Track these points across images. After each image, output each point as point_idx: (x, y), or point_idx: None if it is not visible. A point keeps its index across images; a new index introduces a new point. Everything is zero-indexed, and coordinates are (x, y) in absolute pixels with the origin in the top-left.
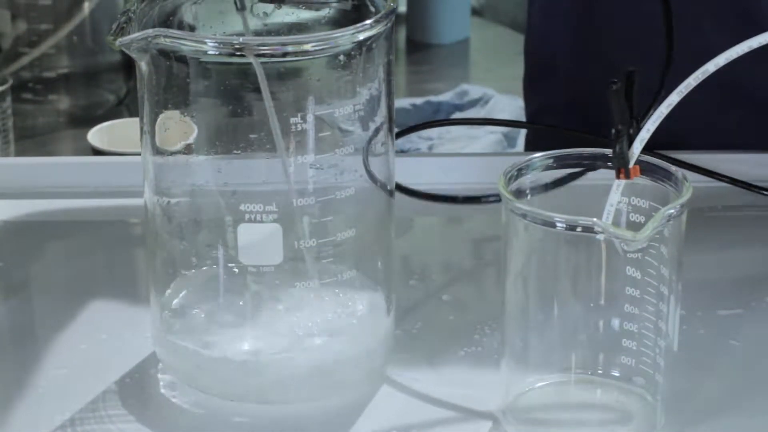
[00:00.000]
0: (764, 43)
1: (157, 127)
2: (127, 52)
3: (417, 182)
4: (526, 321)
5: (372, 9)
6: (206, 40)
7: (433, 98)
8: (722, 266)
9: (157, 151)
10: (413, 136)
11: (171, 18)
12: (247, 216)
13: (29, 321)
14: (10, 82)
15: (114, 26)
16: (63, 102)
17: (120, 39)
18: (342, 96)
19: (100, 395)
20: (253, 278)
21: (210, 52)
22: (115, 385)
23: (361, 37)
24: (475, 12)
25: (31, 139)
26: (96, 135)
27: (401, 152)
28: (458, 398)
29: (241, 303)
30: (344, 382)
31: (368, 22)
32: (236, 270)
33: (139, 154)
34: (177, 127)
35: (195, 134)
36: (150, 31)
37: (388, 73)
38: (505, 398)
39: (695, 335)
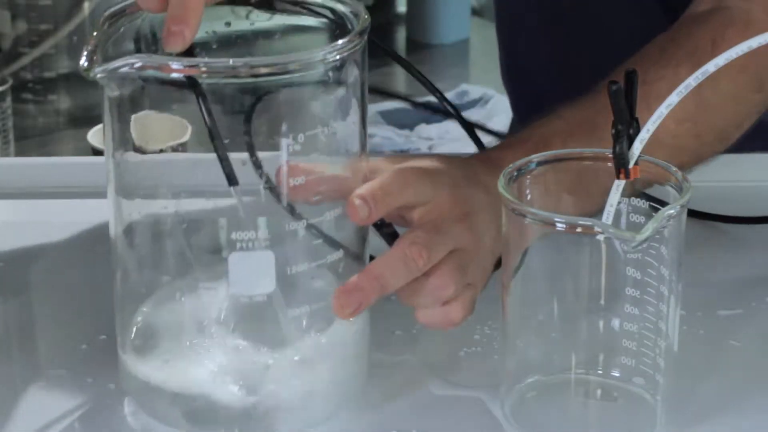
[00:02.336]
0: (764, 43)
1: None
2: (101, 82)
3: None
4: (527, 321)
5: (349, 26)
6: (199, 65)
7: (433, 98)
8: (722, 267)
9: (126, 192)
10: (413, 136)
11: (138, 36)
12: (239, 245)
13: (29, 321)
14: (10, 82)
15: (85, 57)
16: (63, 102)
17: (97, 68)
18: (314, 118)
19: (100, 395)
20: (233, 309)
21: (204, 77)
22: (114, 386)
23: (331, 58)
24: (475, 12)
25: (31, 139)
26: (96, 135)
27: (401, 152)
28: (458, 398)
29: (212, 334)
30: (318, 414)
31: (339, 42)
32: (214, 300)
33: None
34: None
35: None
36: (132, 59)
37: (362, 93)
38: (506, 398)
39: (695, 335)
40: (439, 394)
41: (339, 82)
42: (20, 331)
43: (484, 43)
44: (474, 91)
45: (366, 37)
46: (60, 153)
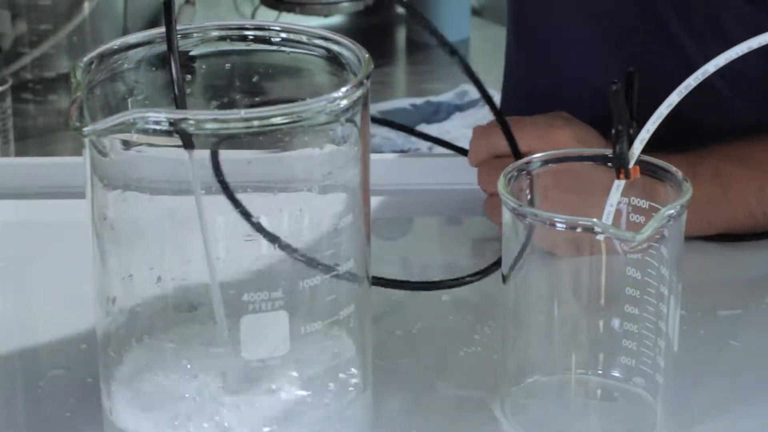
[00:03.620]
0: (764, 43)
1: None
2: (93, 139)
3: (417, 182)
4: (527, 321)
5: (346, 67)
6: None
7: (433, 98)
8: (722, 267)
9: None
10: (413, 136)
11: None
12: (251, 306)
13: (29, 321)
14: (11, 82)
15: (74, 113)
16: (63, 102)
17: (92, 125)
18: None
19: (100, 395)
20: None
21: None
22: None
23: (336, 106)
24: (475, 12)
25: (31, 139)
26: None
27: (401, 152)
28: (458, 398)
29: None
30: None
31: (337, 94)
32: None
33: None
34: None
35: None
36: (127, 116)
37: (365, 142)
38: (505, 398)
39: (695, 335)
40: (438, 394)
41: (343, 130)
42: (20, 331)
43: (484, 43)
44: (474, 91)
45: (368, 83)
46: (60, 153)
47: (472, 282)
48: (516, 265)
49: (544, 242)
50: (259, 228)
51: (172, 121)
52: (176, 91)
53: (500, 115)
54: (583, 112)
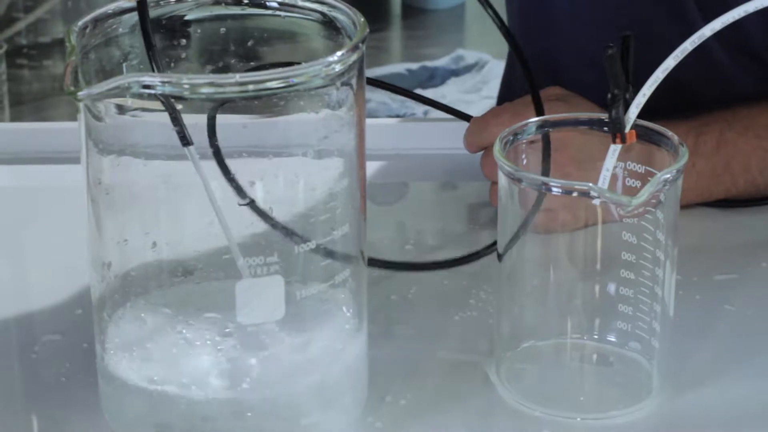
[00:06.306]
0: (760, 7)
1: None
2: (87, 104)
3: (413, 147)
4: (522, 286)
5: (342, 32)
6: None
7: (429, 63)
8: (718, 231)
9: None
10: (408, 101)
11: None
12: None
13: (24, 286)
14: (5, 47)
15: (69, 78)
16: (58, 67)
17: (87, 90)
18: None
19: (95, 360)
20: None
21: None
22: None
23: (333, 70)
24: None
25: (26, 105)
26: None
27: (397, 116)
28: (453, 363)
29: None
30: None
31: (333, 58)
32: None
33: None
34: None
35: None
36: (122, 80)
37: (360, 107)
38: (501, 363)
39: (691, 300)
40: (434, 358)
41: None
42: (15, 296)
43: (479, 8)
44: (469, 56)
45: (364, 47)
46: (55, 118)
47: (469, 262)
48: (513, 232)
49: (539, 226)
50: (252, 205)
51: (164, 83)
52: (150, 57)
53: (530, 75)
54: (581, 78)
